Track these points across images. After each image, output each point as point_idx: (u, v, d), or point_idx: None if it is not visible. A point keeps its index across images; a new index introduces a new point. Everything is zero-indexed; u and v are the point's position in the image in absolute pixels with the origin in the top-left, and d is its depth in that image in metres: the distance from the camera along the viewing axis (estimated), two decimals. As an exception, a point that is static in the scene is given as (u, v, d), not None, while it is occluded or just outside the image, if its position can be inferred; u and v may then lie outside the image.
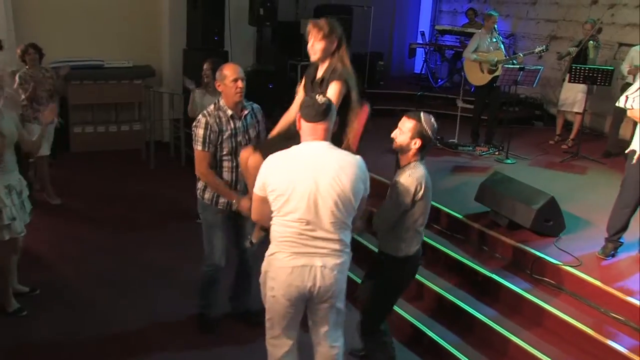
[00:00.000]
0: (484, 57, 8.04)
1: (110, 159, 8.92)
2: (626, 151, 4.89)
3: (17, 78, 6.71)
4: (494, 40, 8.14)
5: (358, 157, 3.21)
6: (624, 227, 4.89)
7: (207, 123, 4.08)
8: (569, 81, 8.12)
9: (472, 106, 8.75)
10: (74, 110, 9.16)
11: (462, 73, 8.71)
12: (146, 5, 9.62)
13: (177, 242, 6.17)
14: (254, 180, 3.33)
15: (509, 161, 7.57)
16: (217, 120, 4.10)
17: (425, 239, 5.45)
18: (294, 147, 3.15)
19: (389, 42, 12.54)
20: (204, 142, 4.09)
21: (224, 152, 4.14)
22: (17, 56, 6.91)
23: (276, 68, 9.87)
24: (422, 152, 3.62)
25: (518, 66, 7.49)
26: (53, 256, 5.86)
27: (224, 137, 4.11)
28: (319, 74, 3.74)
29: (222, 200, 4.24)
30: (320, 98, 3.09)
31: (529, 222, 5.11)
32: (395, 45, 12.73)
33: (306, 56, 10.60)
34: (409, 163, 3.63)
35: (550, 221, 5.18)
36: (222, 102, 4.16)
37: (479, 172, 6.95)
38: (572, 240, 5.20)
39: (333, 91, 3.57)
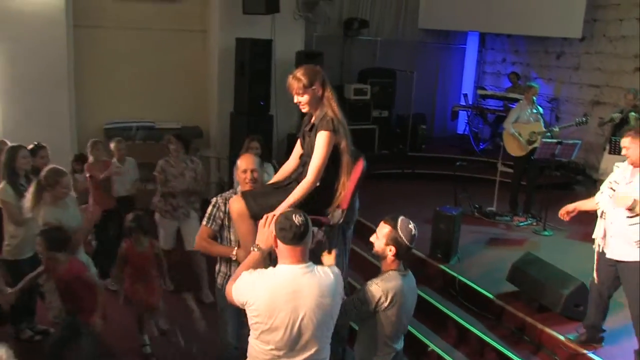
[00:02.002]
0: (521, 129, 8.10)
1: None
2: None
3: (157, 166, 6.53)
4: (534, 111, 8.20)
5: (336, 271, 3.13)
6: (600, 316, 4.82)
7: (216, 202, 4.19)
8: (609, 152, 8.14)
9: (512, 170, 8.80)
10: (126, 168, 9.59)
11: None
12: (196, 70, 10.09)
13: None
14: (239, 229, 3.47)
15: (546, 233, 7.58)
16: (226, 201, 4.15)
17: (456, 317, 5.61)
18: (273, 271, 3.03)
19: (432, 104, 12.74)
20: (208, 218, 4.17)
21: (232, 237, 4.16)
22: (164, 144, 6.76)
23: (319, 131, 10.12)
24: (399, 259, 3.49)
25: (556, 140, 7.57)
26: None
27: (232, 221, 4.07)
28: (312, 120, 3.70)
29: None
30: (296, 219, 2.92)
31: (559, 307, 5.16)
32: (438, 107, 12.92)
33: (350, 120, 10.88)
34: (386, 271, 3.50)
35: (581, 306, 5.21)
36: (239, 189, 4.22)
37: (515, 246, 7.01)
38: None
39: (320, 141, 3.52)
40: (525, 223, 7.95)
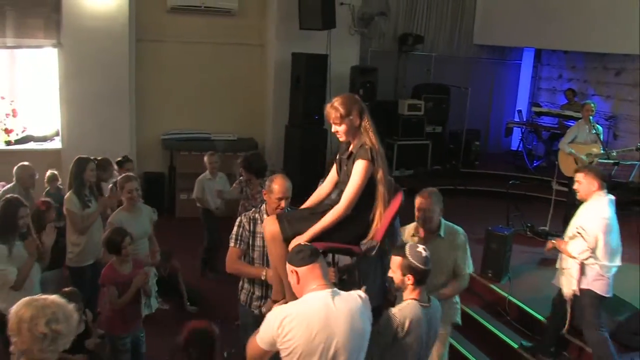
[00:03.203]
0: (577, 149, 7.97)
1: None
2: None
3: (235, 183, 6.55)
4: (593, 132, 7.91)
5: (363, 295, 3.10)
6: None
7: (241, 222, 4.23)
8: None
9: (567, 189, 8.65)
10: (181, 178, 9.83)
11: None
12: (252, 83, 10.32)
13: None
14: (270, 252, 3.43)
15: (601, 255, 7.43)
16: (252, 221, 4.21)
17: (505, 337, 5.58)
18: (302, 300, 3.01)
19: (486, 119, 12.68)
20: (235, 239, 4.22)
21: (255, 256, 4.21)
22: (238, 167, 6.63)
23: (373, 146, 10.17)
24: (419, 285, 3.41)
25: (613, 161, 7.43)
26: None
27: (256, 240, 4.20)
28: (350, 148, 3.66)
29: (255, 302, 4.28)
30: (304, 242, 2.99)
31: (612, 333, 5.07)
32: (492, 123, 12.85)
33: (403, 135, 10.86)
34: (405, 300, 3.45)
35: (638, 335, 5.11)
36: (264, 207, 4.25)
37: (568, 267, 6.91)
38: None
39: (357, 170, 3.46)
40: (580, 244, 7.79)
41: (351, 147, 3.63)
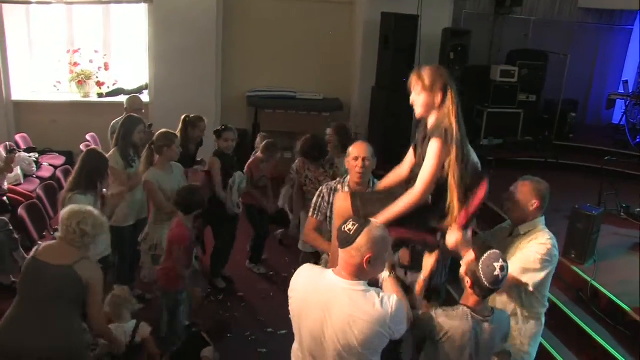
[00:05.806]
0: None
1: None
2: None
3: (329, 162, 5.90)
4: None
5: (395, 306, 2.65)
6: None
7: (321, 191, 4.17)
8: None
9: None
10: (265, 135, 9.85)
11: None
12: (341, 43, 10.14)
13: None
14: (335, 227, 3.17)
15: None
16: (332, 192, 4.10)
17: (583, 325, 5.25)
18: (322, 272, 2.81)
19: (586, 89, 11.90)
20: (313, 208, 4.19)
21: (331, 228, 4.02)
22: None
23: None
24: (479, 297, 2.95)
25: None
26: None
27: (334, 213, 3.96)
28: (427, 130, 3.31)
29: None
30: (348, 225, 2.64)
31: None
32: (593, 94, 12.04)
33: (494, 103, 10.40)
34: (460, 305, 3.02)
35: None
36: (348, 179, 4.09)
37: (664, 255, 6.43)
38: None
39: (432, 150, 3.11)
40: (681, 229, 7.25)
41: (428, 128, 3.29)
